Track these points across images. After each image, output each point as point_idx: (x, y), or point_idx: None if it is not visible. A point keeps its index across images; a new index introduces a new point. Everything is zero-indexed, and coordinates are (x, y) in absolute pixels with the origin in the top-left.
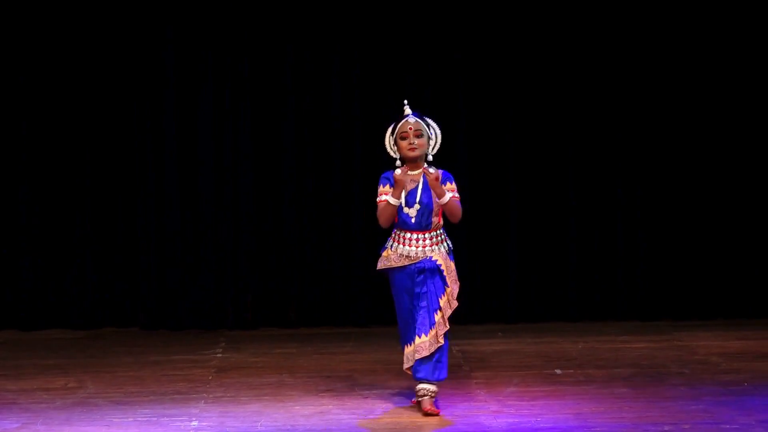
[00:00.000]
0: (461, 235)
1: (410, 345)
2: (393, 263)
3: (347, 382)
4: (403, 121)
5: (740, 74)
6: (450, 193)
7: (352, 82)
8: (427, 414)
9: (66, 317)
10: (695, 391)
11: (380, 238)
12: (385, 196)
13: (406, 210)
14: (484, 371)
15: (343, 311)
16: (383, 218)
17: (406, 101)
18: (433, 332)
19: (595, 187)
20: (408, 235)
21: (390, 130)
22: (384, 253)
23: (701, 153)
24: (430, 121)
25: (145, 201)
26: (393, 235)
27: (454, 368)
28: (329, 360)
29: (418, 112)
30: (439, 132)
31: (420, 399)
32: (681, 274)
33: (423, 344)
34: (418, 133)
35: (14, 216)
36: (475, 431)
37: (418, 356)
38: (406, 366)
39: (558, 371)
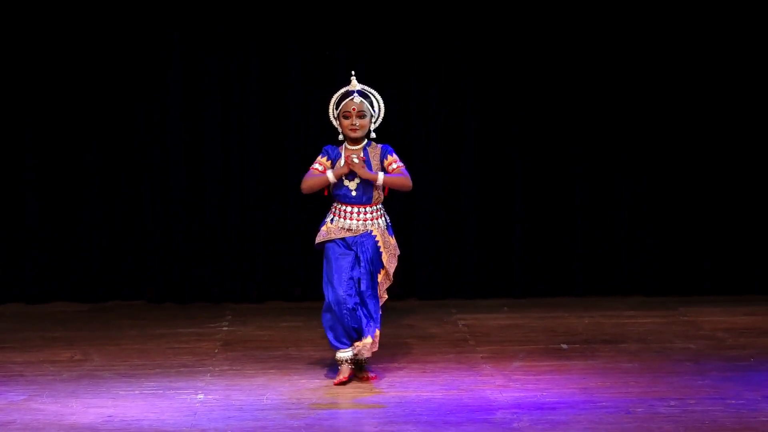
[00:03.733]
0: (469, 211)
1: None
2: (333, 236)
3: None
4: (347, 99)
5: (747, 55)
6: (382, 174)
7: (359, 80)
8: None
9: (72, 290)
10: (701, 366)
11: (388, 213)
12: (320, 167)
13: (346, 183)
14: (491, 346)
15: None
16: (308, 186)
17: (353, 72)
18: (378, 333)
19: (601, 164)
20: (348, 209)
21: (334, 101)
22: (323, 228)
23: (708, 128)
24: (374, 95)
25: (152, 175)
26: (332, 209)
27: (460, 342)
28: None
29: (362, 90)
30: (382, 106)
31: (343, 366)
32: (687, 250)
33: (366, 346)
34: (361, 113)
35: (20, 189)
36: (481, 405)
37: (356, 355)
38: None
39: (564, 346)
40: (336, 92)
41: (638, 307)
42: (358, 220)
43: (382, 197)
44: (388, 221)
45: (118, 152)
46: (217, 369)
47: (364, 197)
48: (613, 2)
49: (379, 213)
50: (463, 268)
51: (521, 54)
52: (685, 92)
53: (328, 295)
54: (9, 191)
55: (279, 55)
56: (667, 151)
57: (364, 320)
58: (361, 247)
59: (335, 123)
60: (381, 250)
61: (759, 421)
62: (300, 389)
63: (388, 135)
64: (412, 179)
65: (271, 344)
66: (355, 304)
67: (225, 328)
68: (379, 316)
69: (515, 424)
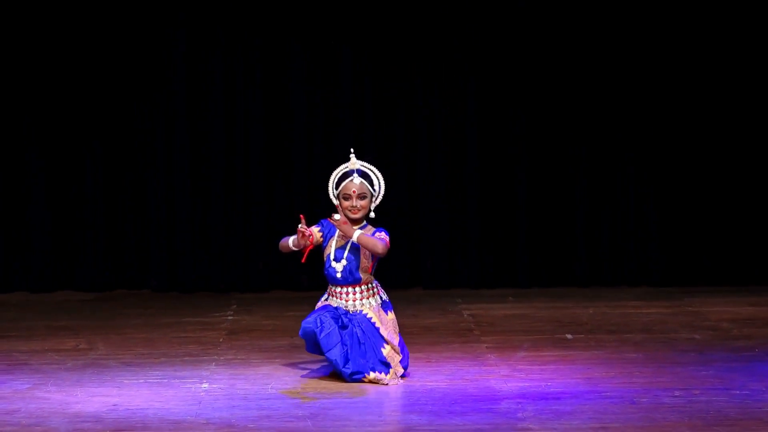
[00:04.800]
0: (474, 201)
1: (370, 374)
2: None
3: None
4: (348, 180)
5: (747, 53)
6: (359, 230)
7: (361, 79)
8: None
9: (77, 279)
10: (706, 356)
11: (393, 204)
12: (308, 232)
13: (333, 265)
14: (495, 335)
15: None
16: (281, 246)
17: (352, 150)
18: (392, 371)
19: (605, 154)
20: (338, 289)
21: (333, 180)
22: (319, 303)
23: (713, 119)
24: (374, 172)
25: (156, 166)
26: (328, 288)
27: (465, 332)
28: None
29: (361, 168)
30: (382, 183)
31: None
32: (692, 240)
33: (386, 379)
34: (362, 195)
35: (24, 177)
36: (486, 395)
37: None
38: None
39: (569, 336)
40: (334, 150)
41: (643, 297)
42: (347, 300)
43: (372, 277)
44: (384, 298)
45: (122, 146)
46: (222, 358)
47: (350, 278)
48: (614, 2)
49: (370, 292)
50: (468, 258)
51: (522, 54)
52: (685, 90)
53: (300, 332)
54: (14, 180)
55: (281, 55)
56: (671, 142)
57: (341, 361)
58: (352, 321)
59: (335, 201)
60: (377, 325)
61: (764, 411)
62: (305, 379)
63: (390, 135)
64: (414, 178)
65: (276, 334)
66: (323, 325)
67: (230, 318)
68: (368, 362)
69: (520, 414)
